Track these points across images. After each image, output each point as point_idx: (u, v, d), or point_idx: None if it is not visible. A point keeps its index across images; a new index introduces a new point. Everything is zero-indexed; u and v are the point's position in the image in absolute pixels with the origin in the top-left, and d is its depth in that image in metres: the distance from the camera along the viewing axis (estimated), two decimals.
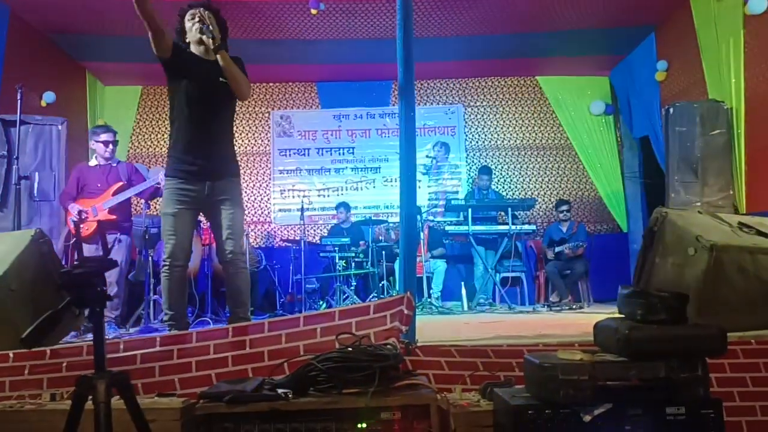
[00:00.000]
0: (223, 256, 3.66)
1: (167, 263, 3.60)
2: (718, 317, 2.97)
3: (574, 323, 4.90)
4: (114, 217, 5.25)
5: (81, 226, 5.21)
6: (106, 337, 3.74)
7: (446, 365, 2.53)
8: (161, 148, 8.74)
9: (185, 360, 2.47)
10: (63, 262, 5.65)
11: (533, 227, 7.44)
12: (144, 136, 8.80)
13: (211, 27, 3.44)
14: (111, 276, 5.27)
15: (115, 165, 5.46)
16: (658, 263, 3.23)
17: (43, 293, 3.18)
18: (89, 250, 5.23)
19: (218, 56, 3.45)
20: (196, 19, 3.49)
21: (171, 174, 3.64)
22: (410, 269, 3.03)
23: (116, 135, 5.56)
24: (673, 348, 1.66)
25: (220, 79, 3.55)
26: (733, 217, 3.44)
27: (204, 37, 3.45)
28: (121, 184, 5.32)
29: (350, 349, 1.96)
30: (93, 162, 5.48)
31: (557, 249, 7.60)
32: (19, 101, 4.47)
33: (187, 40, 3.66)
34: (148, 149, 8.78)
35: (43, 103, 6.85)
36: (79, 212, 5.03)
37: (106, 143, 5.42)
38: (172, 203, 3.59)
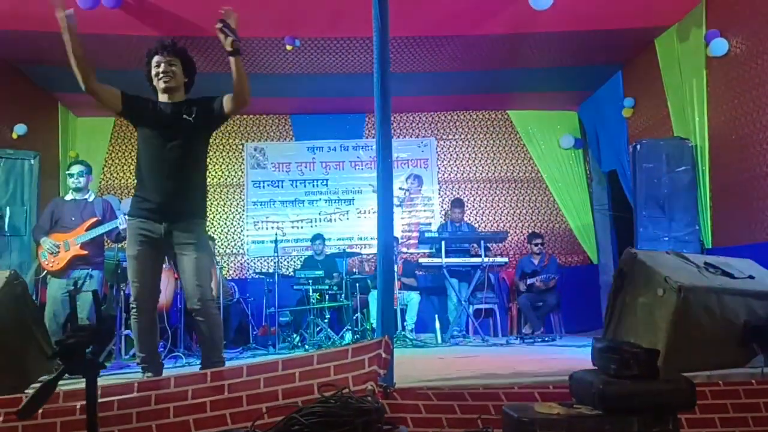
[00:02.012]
0: (191, 303, 3.54)
1: (135, 306, 3.57)
2: (686, 356, 3.07)
3: (547, 358, 4.97)
4: (86, 252, 5.21)
5: (53, 261, 5.17)
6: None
7: (423, 408, 2.56)
8: (133, 180, 8.64)
9: (163, 406, 2.46)
10: (34, 295, 5.58)
11: (505, 259, 7.52)
12: (116, 167, 8.74)
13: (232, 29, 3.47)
14: (83, 312, 5.22)
15: (90, 200, 5.44)
16: (628, 303, 3.31)
17: (16, 335, 3.14)
18: (58, 284, 5.20)
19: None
20: (161, 69, 3.54)
21: (131, 213, 3.65)
22: (388, 301, 3.02)
23: (89, 168, 5.54)
24: (646, 403, 1.72)
25: (184, 116, 3.57)
26: (700, 258, 3.55)
27: (221, 36, 3.45)
28: (95, 219, 5.29)
29: (332, 401, 1.98)
30: (69, 196, 5.46)
31: (529, 281, 7.70)
32: None
33: (153, 85, 3.67)
34: (120, 180, 8.73)
35: (15, 135, 6.78)
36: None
37: (71, 175, 5.42)
38: (133, 244, 3.57)
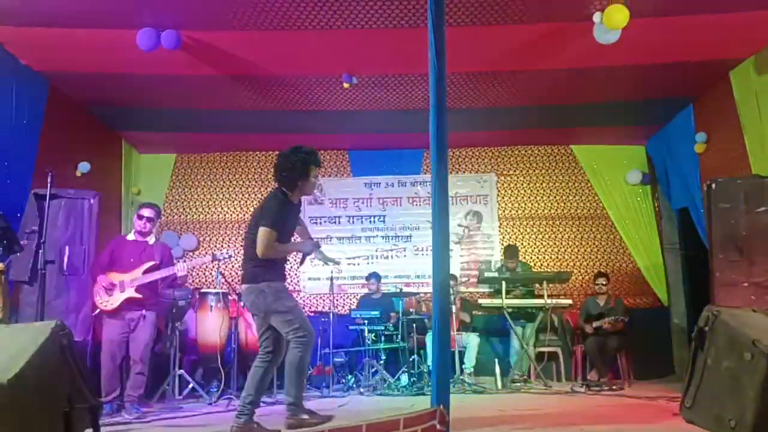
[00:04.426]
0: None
1: (272, 351, 4.08)
2: None
3: (617, 413, 4.68)
4: (140, 295, 5.22)
5: (107, 301, 5.17)
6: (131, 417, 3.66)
7: None
8: (193, 215, 8.78)
9: None
10: (89, 334, 5.61)
11: (569, 301, 7.17)
12: (177, 203, 8.83)
13: None
14: (136, 354, 5.20)
15: (151, 243, 5.48)
16: (710, 366, 3.01)
17: (61, 386, 3.08)
18: (114, 325, 5.19)
19: None
20: None
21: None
22: (443, 350, 3.09)
23: (158, 213, 5.61)
24: None
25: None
26: None
27: None
28: (153, 263, 5.32)
29: None
30: (131, 236, 5.51)
31: (595, 324, 7.30)
32: (49, 185, 4.48)
33: None
34: (180, 216, 8.81)
35: (79, 173, 6.91)
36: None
37: (141, 217, 5.47)
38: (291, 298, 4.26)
